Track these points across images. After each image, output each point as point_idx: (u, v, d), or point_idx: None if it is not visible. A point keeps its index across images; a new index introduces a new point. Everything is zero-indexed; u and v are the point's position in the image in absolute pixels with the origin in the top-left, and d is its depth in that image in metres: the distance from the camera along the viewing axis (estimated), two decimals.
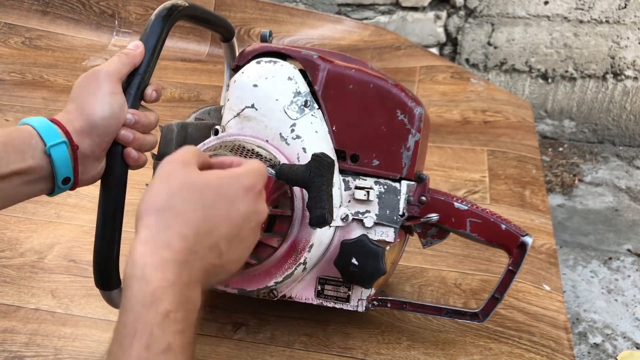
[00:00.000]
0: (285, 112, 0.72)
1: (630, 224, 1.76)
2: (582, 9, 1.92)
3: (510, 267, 0.75)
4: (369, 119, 0.74)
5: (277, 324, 0.83)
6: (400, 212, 0.74)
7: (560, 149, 2.15)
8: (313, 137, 0.72)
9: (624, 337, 1.37)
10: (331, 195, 0.64)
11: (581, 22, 1.94)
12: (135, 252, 0.45)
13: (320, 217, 0.62)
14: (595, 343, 1.35)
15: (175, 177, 0.49)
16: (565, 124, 2.15)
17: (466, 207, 0.75)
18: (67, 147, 0.60)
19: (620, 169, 2.04)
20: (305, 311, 0.83)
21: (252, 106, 0.73)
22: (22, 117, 1.38)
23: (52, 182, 0.61)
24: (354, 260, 0.70)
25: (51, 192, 0.63)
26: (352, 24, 1.83)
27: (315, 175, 0.62)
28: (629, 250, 1.65)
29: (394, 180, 0.74)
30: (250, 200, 0.52)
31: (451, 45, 2.06)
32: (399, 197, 0.73)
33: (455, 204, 0.75)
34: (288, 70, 0.74)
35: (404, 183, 0.74)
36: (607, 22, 1.93)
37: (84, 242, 0.99)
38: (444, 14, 1.99)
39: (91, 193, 1.10)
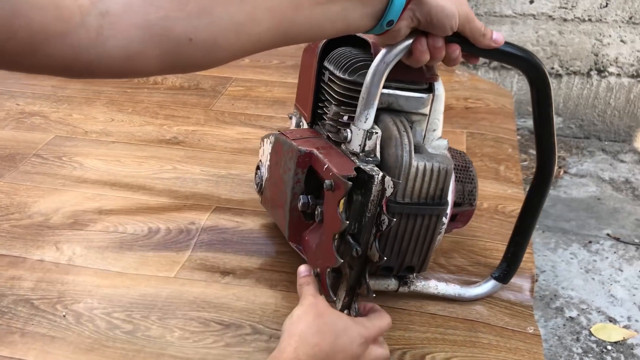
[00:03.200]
0: None
1: (611, 211, 1.83)
2: (566, 8, 2.01)
3: None
4: None
5: (262, 273, 0.91)
6: None
7: None
8: None
9: (599, 312, 1.44)
10: None
11: (565, 20, 2.02)
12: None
13: None
14: (570, 317, 1.42)
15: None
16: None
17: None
18: None
19: (604, 162, 2.11)
20: (285, 267, 0.91)
21: None
22: (32, 103, 1.47)
23: (378, 20, 0.63)
24: None
25: (369, 30, 0.65)
26: None
27: None
28: (608, 234, 1.72)
29: None
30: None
31: None
32: None
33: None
34: None
35: None
36: (590, 20, 2.01)
37: (87, 206, 1.07)
38: None
39: (95, 166, 1.18)
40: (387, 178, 0.67)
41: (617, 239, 1.69)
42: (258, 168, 0.94)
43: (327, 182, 0.70)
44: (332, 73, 0.79)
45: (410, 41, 0.67)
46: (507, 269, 0.87)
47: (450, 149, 0.86)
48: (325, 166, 0.72)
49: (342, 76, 0.77)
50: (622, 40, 2.02)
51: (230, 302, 0.86)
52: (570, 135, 2.25)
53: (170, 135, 1.30)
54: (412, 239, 0.76)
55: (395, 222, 0.71)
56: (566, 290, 1.50)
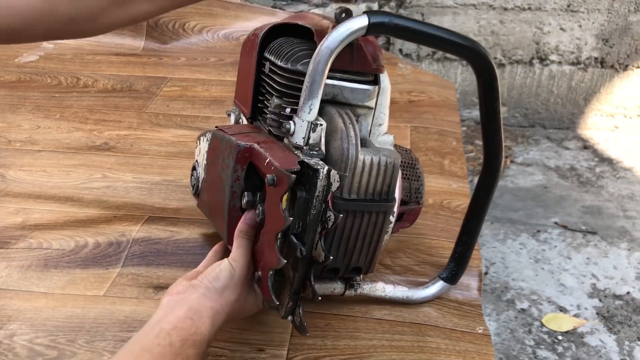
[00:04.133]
0: None
1: (557, 199, 1.84)
2: None
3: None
4: None
5: None
6: None
7: None
8: None
9: (549, 302, 1.43)
10: None
11: (505, 9, 2.02)
12: None
13: None
14: (522, 308, 1.41)
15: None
16: None
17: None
18: None
19: (550, 149, 2.13)
20: None
21: None
22: None
23: None
24: None
25: None
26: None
27: None
28: (556, 223, 1.72)
29: None
30: None
31: (384, 36, 2.12)
32: None
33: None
34: None
35: None
36: (530, 9, 2.02)
37: (9, 222, 0.99)
38: (375, 5, 2.05)
39: (19, 177, 1.11)
40: (333, 172, 0.64)
41: (565, 227, 1.70)
42: (194, 169, 0.89)
43: (268, 177, 0.65)
44: (273, 63, 0.75)
45: (359, 27, 0.64)
46: (455, 269, 0.84)
47: (396, 146, 0.82)
48: (267, 160, 0.68)
49: (283, 65, 0.72)
50: (561, 29, 2.04)
51: None
52: (515, 124, 2.26)
53: (100, 141, 1.23)
54: (359, 238, 0.73)
55: (342, 220, 0.67)
56: (517, 282, 1.49)
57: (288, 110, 0.72)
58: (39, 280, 0.87)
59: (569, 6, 1.99)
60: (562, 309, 1.41)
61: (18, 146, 1.21)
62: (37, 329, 0.78)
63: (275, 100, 0.74)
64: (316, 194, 0.64)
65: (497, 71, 0.69)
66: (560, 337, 1.33)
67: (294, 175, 0.62)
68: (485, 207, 0.81)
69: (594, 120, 2.20)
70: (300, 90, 0.69)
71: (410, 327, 0.82)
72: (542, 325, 1.36)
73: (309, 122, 0.68)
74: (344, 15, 0.69)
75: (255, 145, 0.72)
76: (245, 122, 0.87)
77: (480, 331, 0.81)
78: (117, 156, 1.18)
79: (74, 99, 1.42)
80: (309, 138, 0.69)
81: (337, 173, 0.64)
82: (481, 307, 0.85)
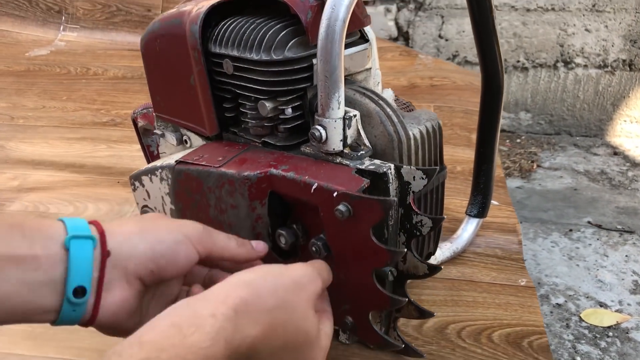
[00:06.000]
0: None
1: (589, 200, 1.74)
2: None
3: None
4: None
5: None
6: None
7: (518, 140, 2.15)
8: None
9: (587, 297, 1.32)
10: None
11: (528, 10, 1.97)
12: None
13: None
14: (557, 303, 1.31)
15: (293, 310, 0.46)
16: (522, 116, 2.15)
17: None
18: (94, 246, 0.46)
19: (578, 155, 2.04)
20: None
21: None
22: None
23: (61, 293, 0.45)
24: None
25: (55, 317, 0.46)
26: None
27: None
28: (589, 222, 1.62)
29: None
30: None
31: (403, 39, 2.07)
32: None
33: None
34: None
35: None
36: (553, 9, 1.96)
37: (5, 186, 0.92)
38: (394, 7, 2.01)
39: (19, 148, 1.05)
40: (407, 167, 0.52)
41: (599, 226, 1.59)
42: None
43: (341, 209, 0.50)
44: (240, 59, 0.59)
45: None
46: (483, 201, 0.76)
47: (397, 99, 0.73)
48: (314, 187, 0.52)
49: (264, 59, 0.56)
50: (586, 30, 1.97)
51: None
52: (540, 131, 2.17)
53: (107, 118, 1.17)
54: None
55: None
56: (550, 278, 1.39)
57: (289, 110, 0.59)
58: None
59: (594, 6, 1.93)
60: (602, 305, 1.30)
61: (21, 122, 1.15)
62: None
63: (266, 104, 0.58)
64: None
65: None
66: (602, 332, 1.22)
67: (394, 199, 0.49)
68: (496, 125, 0.74)
69: (623, 127, 2.11)
70: (296, 82, 0.57)
71: (442, 282, 0.73)
72: (581, 320, 1.25)
73: (341, 118, 0.54)
74: None
75: (274, 171, 0.55)
76: (199, 142, 0.68)
77: (522, 283, 0.72)
78: (124, 130, 1.11)
79: (82, 84, 1.37)
80: (346, 137, 0.55)
81: (418, 168, 0.52)
82: (523, 261, 0.76)
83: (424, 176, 0.51)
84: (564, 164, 1.98)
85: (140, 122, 0.82)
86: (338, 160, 0.56)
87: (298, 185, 0.53)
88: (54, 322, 0.46)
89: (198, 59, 0.61)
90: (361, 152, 0.55)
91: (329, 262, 0.52)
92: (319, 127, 0.54)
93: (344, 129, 0.54)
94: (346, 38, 0.58)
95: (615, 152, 2.06)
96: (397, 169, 0.53)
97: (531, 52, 2.02)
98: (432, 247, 0.65)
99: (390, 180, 0.52)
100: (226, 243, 0.52)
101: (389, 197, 0.52)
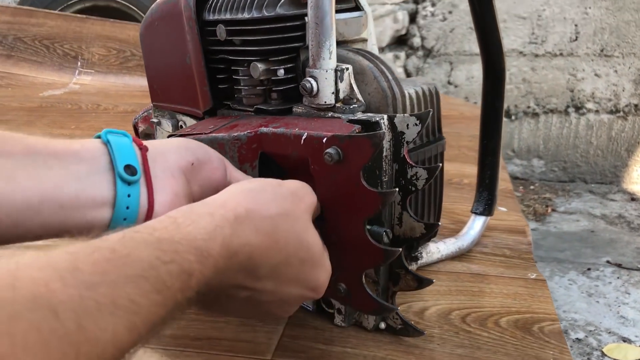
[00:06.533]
0: None
1: (607, 241, 1.68)
2: (536, 43, 1.97)
3: None
4: None
5: None
6: None
7: (532, 187, 2.11)
8: None
9: (609, 333, 1.26)
10: None
11: (537, 56, 1.98)
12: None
13: None
14: (577, 338, 1.24)
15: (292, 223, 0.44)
16: (535, 164, 2.12)
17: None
18: (130, 140, 0.47)
19: (594, 201, 1.99)
20: None
21: None
22: None
23: (112, 181, 0.44)
24: None
25: (111, 213, 0.44)
26: None
27: None
28: (608, 261, 1.56)
29: None
30: None
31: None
32: None
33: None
34: None
35: None
36: (562, 54, 1.97)
37: None
38: (402, 54, 2.04)
39: None
40: (400, 117, 0.50)
41: (619, 265, 1.53)
42: None
43: (330, 152, 0.47)
44: (231, 22, 0.59)
45: None
46: (489, 197, 0.73)
47: None
48: (304, 137, 0.50)
49: (256, 17, 0.56)
50: (596, 74, 1.98)
51: None
52: (554, 179, 2.14)
53: None
54: (425, 192, 0.61)
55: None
56: (568, 314, 1.32)
57: (281, 72, 0.57)
58: None
59: (602, 50, 1.94)
60: (626, 340, 1.23)
61: None
62: None
63: (258, 66, 0.57)
64: (384, 154, 0.51)
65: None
66: None
67: (382, 132, 0.47)
68: (500, 113, 0.71)
69: (639, 173, 2.08)
70: (290, 40, 0.56)
71: (447, 274, 0.69)
72: (604, 354, 1.18)
73: (333, 69, 0.53)
74: None
75: (264, 129, 0.53)
76: (192, 121, 0.67)
77: (532, 277, 0.68)
78: None
79: (92, 117, 1.38)
80: (338, 91, 0.53)
81: (411, 115, 0.50)
82: (533, 259, 0.72)
83: (417, 122, 0.49)
84: (579, 208, 1.93)
85: (141, 127, 0.83)
86: (330, 115, 0.54)
87: (288, 139, 0.51)
88: (110, 223, 0.44)
89: (192, 29, 0.61)
90: (354, 105, 0.54)
91: (320, 232, 0.49)
92: (310, 79, 0.53)
93: (335, 82, 0.53)
94: (340, 4, 0.59)
95: (633, 198, 2.01)
96: (391, 120, 0.51)
97: (541, 98, 2.02)
98: (434, 219, 0.63)
99: (383, 129, 0.50)
100: (244, 177, 0.52)
101: (383, 150, 0.50)
